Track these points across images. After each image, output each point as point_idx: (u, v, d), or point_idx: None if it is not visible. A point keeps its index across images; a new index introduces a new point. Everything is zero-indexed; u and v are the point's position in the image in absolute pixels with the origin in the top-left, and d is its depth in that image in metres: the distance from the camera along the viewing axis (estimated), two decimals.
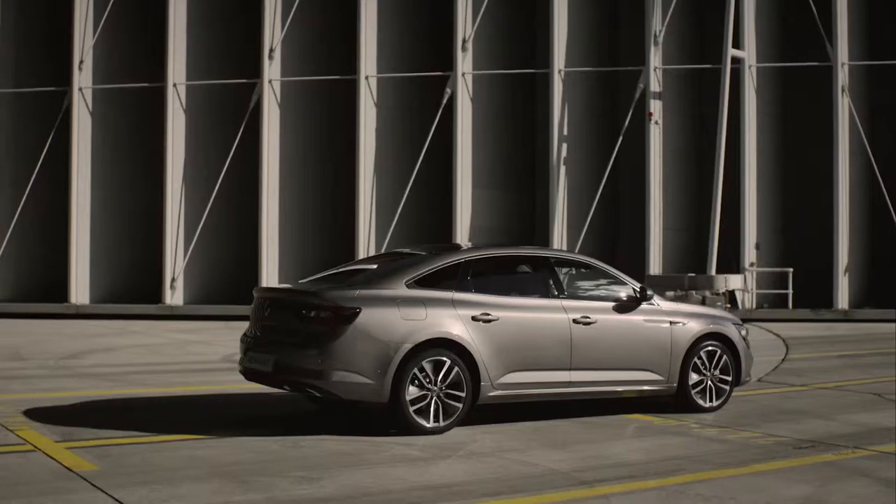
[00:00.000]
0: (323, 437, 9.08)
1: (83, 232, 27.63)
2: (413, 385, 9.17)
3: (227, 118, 27.77)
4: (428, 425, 9.21)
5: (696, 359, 10.74)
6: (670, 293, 26.21)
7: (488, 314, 9.56)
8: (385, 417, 9.34)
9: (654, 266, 26.87)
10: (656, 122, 27.08)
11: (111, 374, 14.15)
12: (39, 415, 10.05)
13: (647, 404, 10.92)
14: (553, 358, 9.89)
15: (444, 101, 27.30)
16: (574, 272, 10.75)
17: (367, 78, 27.50)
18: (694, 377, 10.73)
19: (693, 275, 25.87)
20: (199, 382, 12.99)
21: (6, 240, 27.62)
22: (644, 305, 10.50)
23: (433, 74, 27.72)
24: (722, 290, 25.48)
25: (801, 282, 26.75)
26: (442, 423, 9.28)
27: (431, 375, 9.24)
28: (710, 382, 10.83)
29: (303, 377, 9.18)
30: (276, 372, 9.35)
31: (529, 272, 10.25)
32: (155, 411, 10.81)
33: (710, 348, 10.84)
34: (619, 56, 28.57)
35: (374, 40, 27.68)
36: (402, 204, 27.31)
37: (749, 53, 26.86)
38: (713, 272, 26.03)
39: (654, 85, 26.98)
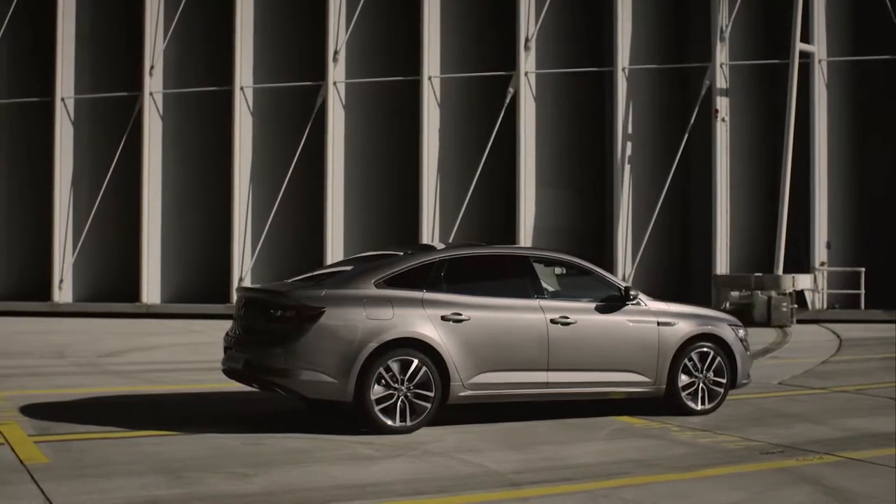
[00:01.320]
0: (291, 434, 9.16)
1: (154, 233, 28.35)
2: (379, 384, 9.18)
3: (293, 120, 28.17)
4: (394, 424, 9.22)
5: (686, 360, 10.50)
6: (735, 293, 25.77)
7: (459, 314, 9.51)
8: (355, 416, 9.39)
9: (722, 265, 26.35)
10: (723, 120, 26.54)
11: (134, 371, 14.51)
12: (35, 410, 10.36)
13: (639, 406, 10.71)
14: (529, 358, 9.78)
15: (507, 100, 27.23)
16: (558, 272, 10.62)
17: (430, 78, 27.60)
18: (684, 379, 10.50)
19: (760, 274, 25.29)
20: (210, 381, 13.21)
21: (81, 241, 28.48)
22: (630, 306, 10.31)
23: (496, 74, 27.67)
24: (789, 290, 24.85)
25: (875, 282, 25.90)
26: (409, 423, 9.27)
27: (398, 375, 9.24)
28: (702, 385, 10.59)
29: (269, 376, 9.28)
30: (246, 370, 9.49)
31: (507, 272, 10.15)
32: (145, 408, 11.04)
33: (702, 350, 10.60)
34: (684, 52, 28.07)
35: (438, 41, 27.76)
36: (465, 204, 27.32)
37: (819, 48, 26.13)
38: (780, 272, 25.40)
39: (721, 81, 26.45)
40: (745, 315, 25.14)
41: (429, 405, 9.35)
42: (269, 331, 9.37)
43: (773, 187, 26.61)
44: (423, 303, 9.47)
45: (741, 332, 11.03)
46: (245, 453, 8.36)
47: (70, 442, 8.77)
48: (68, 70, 28.60)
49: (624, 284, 10.45)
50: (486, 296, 9.81)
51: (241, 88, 28.13)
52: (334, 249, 27.87)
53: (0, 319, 25.99)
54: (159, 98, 28.46)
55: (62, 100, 28.49)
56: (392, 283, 9.56)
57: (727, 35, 26.45)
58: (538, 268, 10.88)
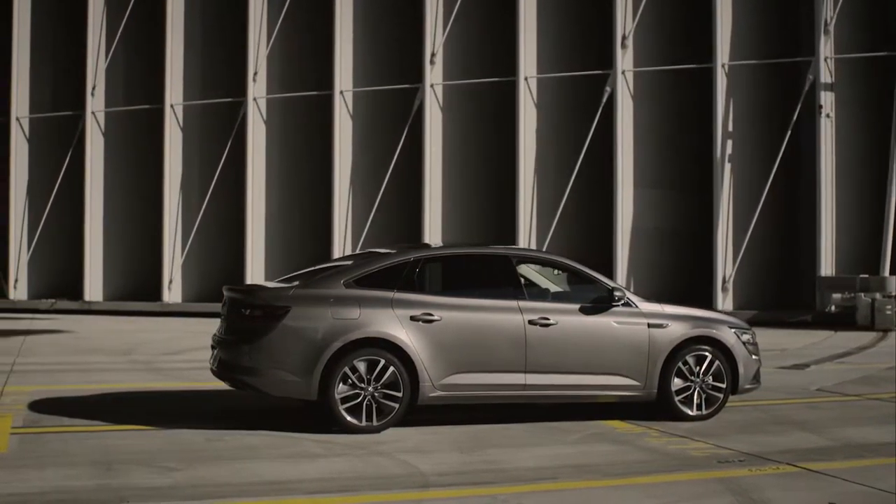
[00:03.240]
0: (258, 432, 9.29)
1: (258, 235, 29.10)
2: (344, 384, 9.22)
3: (392, 123, 28.47)
4: (360, 424, 9.24)
5: (680, 364, 10.16)
6: (837, 295, 24.79)
7: (430, 314, 9.46)
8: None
9: (826, 267, 25.36)
10: (828, 116, 25.53)
11: (177, 369, 14.93)
12: (43, 404, 10.81)
13: (634, 411, 10.39)
14: (505, 360, 9.64)
15: (604, 99, 26.87)
16: (544, 272, 10.44)
17: (526, 79, 27.47)
18: (678, 383, 10.16)
19: (865, 276, 24.26)
20: None
21: (189, 243, 29.45)
22: (619, 307, 10.04)
23: (593, 73, 27.34)
24: (894, 293, 23.77)
25: None
26: (376, 423, 9.28)
27: (365, 375, 9.26)
28: (699, 389, 10.23)
29: (239, 374, 9.45)
30: (220, 369, 9.67)
31: (486, 272, 10.04)
32: (145, 404, 11.34)
33: (699, 353, 10.24)
34: (786, 47, 27.07)
35: (534, 41, 27.61)
36: (561, 205, 27.10)
37: None
38: (886, 273, 24.29)
39: (826, 76, 25.46)
40: (848, 317, 24.23)
41: (396, 405, 9.33)
42: (240, 330, 9.52)
43: (880, 186, 25.45)
44: (392, 303, 9.45)
45: (746, 335, 10.59)
46: (196, 448, 8.53)
47: (42, 435, 9.12)
48: (177, 77, 29.61)
49: (612, 285, 10.18)
50: (460, 296, 9.73)
51: (341, 92, 28.60)
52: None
53: (109, 318, 27.17)
54: (263, 103, 29.19)
55: (171, 106, 29.53)
56: (363, 282, 9.58)
57: (832, 27, 25.44)
58: (533, 269, 10.80)
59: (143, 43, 30.31)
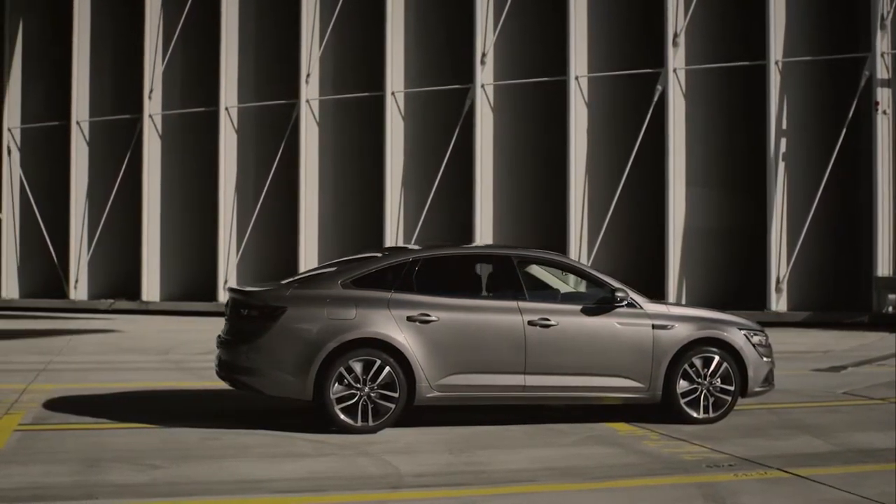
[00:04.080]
0: (257, 431, 9.35)
1: (311, 234, 29.41)
2: (340, 384, 9.24)
3: (443, 123, 28.49)
4: (356, 424, 9.25)
5: (686, 366, 9.99)
6: (893, 296, 24.25)
7: (427, 314, 9.44)
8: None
9: (884, 267, 24.77)
10: (884, 112, 24.92)
11: (207, 368, 14.78)
12: (57, 402, 11.00)
13: (641, 413, 10.23)
14: (503, 361, 9.57)
15: (655, 98, 26.57)
16: (548, 273, 10.36)
17: (576, 78, 27.29)
18: (684, 385, 9.99)
19: None
20: None
21: (244, 243, 29.82)
22: (622, 308, 9.90)
23: (644, 72, 27.05)
24: None
25: None
26: (371, 423, 9.28)
27: (360, 375, 9.27)
28: (706, 392, 10.05)
29: (237, 374, 9.53)
30: (221, 370, 9.76)
31: (486, 272, 10.00)
32: (157, 402, 11.51)
33: (706, 355, 10.06)
34: (841, 42, 26.48)
35: (585, 40, 27.42)
36: (612, 204, 26.87)
37: None
38: None
39: (882, 72, 24.85)
40: None
41: (393, 406, 9.33)
42: (239, 330, 9.60)
43: None
44: (389, 303, 9.45)
45: (757, 337, 10.37)
46: (188, 447, 8.62)
47: (43, 432, 9.30)
48: (231, 80, 30.01)
49: (616, 285, 10.02)
50: (458, 297, 9.69)
51: (393, 93, 28.72)
52: None
53: (164, 318, 27.62)
54: (315, 104, 29.42)
55: (226, 109, 29.92)
56: (361, 283, 9.59)
57: (888, 22, 24.84)
58: (545, 270, 10.72)
59: (198, 46, 30.76)
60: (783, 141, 25.91)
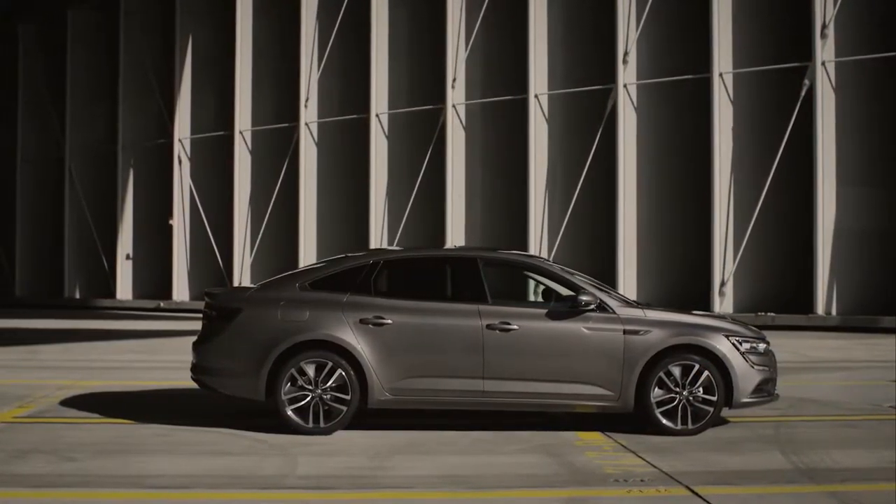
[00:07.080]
0: (216, 429, 9.56)
1: (458, 239, 29.58)
2: (292, 385, 9.35)
3: (586, 124, 28.17)
4: (308, 425, 9.33)
5: (662, 374, 9.50)
6: None
7: (380, 317, 9.41)
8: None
9: None
10: None
11: None
12: (76, 398, 11.57)
13: (621, 422, 9.83)
14: (460, 366, 9.41)
15: (803, 93, 25.33)
16: (519, 275, 10.11)
17: (720, 75, 26.41)
18: (659, 394, 9.50)
19: None
20: None
21: (395, 242, 30.44)
22: (593, 312, 9.54)
23: (790, 66, 25.89)
24: None
25: None
26: (323, 424, 9.34)
27: (313, 377, 9.34)
28: (684, 402, 9.53)
29: (198, 373, 9.81)
30: (191, 370, 10.03)
31: (448, 275, 9.82)
32: (155, 400, 11.88)
33: (685, 363, 9.53)
34: None
35: (729, 35, 26.62)
36: (759, 203, 25.84)
37: None
38: None
39: None
40: None
41: (344, 408, 9.35)
42: (205, 331, 9.88)
43: None
44: (343, 306, 9.48)
45: (747, 345, 9.71)
46: (132, 442, 8.97)
47: (26, 425, 9.89)
48: (382, 87, 30.65)
49: (588, 289, 9.62)
50: (416, 299, 9.59)
51: (536, 96, 28.62)
52: (626, 252, 27.53)
53: None
54: (462, 109, 29.71)
55: (377, 116, 30.58)
56: (319, 286, 9.67)
57: None
58: (533, 274, 10.46)
59: (349, 54, 31.60)
60: None
